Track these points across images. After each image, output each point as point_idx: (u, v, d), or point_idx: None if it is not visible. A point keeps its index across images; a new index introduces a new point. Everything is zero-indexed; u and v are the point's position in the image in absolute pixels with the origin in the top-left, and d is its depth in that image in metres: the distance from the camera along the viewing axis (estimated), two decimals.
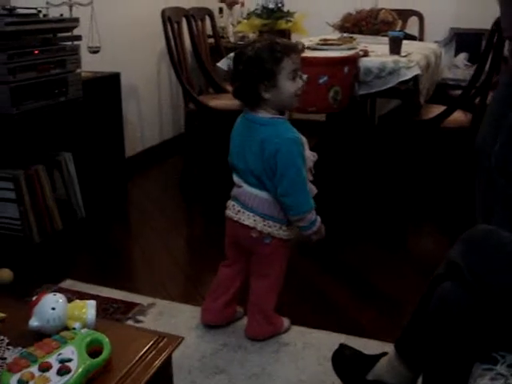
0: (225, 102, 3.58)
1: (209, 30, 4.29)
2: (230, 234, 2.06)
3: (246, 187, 1.95)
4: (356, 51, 2.95)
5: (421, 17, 4.53)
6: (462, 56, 4.43)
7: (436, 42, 4.39)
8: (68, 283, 2.43)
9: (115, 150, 3.32)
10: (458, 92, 3.52)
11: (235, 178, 1.99)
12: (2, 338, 1.27)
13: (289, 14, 3.06)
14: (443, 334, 1.29)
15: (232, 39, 4.71)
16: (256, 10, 3.08)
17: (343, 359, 1.69)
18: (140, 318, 2.19)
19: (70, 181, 2.86)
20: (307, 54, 3.04)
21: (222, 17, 4.82)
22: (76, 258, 2.73)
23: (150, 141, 4.19)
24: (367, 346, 1.92)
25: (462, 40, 4.55)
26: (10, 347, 1.24)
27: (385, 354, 1.60)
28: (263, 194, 1.93)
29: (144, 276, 2.60)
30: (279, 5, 3.03)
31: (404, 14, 4.49)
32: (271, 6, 3.02)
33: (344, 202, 3.35)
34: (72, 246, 2.80)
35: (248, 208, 1.95)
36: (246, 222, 1.95)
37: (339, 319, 2.23)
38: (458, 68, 4.37)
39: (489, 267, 1.23)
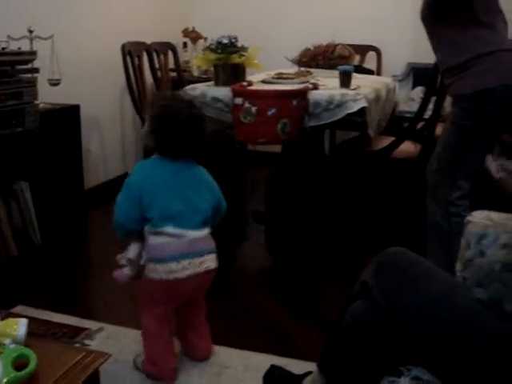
0: None
1: (172, 64, 4.41)
2: (184, 294, 2.00)
3: (192, 234, 1.93)
4: (306, 85, 3.07)
5: (378, 52, 4.70)
6: (419, 89, 4.59)
7: (393, 76, 4.56)
8: (20, 309, 2.48)
9: (73, 180, 3.39)
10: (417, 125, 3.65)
11: (170, 229, 1.90)
12: None
13: (242, 48, 3.17)
14: (353, 349, 1.38)
15: (196, 73, 4.85)
16: (211, 45, 3.19)
17: (273, 379, 1.76)
18: (87, 341, 2.24)
19: (26, 209, 2.92)
20: (258, 86, 3.18)
21: (186, 51, 4.96)
22: (30, 285, 2.77)
23: (113, 172, 4.26)
24: (306, 367, 1.98)
25: (419, 74, 4.71)
26: None
27: (310, 372, 1.68)
28: (206, 232, 1.99)
29: (95, 303, 2.67)
30: (233, 40, 3.14)
31: (362, 49, 4.66)
32: (225, 41, 3.12)
33: (298, 231, 3.45)
34: (26, 273, 2.85)
35: (208, 251, 1.98)
36: (214, 265, 2.00)
37: (280, 343, 2.30)
38: (414, 101, 4.53)
39: (395, 289, 1.33)
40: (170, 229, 1.89)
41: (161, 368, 2.02)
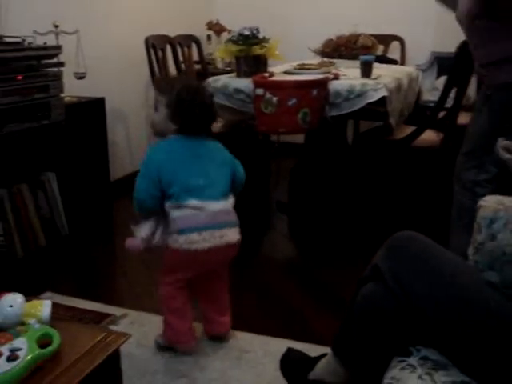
0: None
1: (196, 57, 4.47)
2: (204, 265, 2.06)
3: (213, 205, 1.99)
4: (326, 75, 3.09)
5: (402, 42, 4.69)
6: (443, 79, 4.56)
7: (417, 65, 4.54)
8: (47, 295, 2.55)
9: (100, 171, 3.46)
10: (440, 114, 3.64)
11: (192, 202, 1.97)
12: None
13: (264, 40, 3.21)
14: (365, 331, 1.41)
15: (220, 65, 4.90)
16: (233, 36, 3.23)
17: (289, 362, 1.81)
18: (111, 327, 2.30)
19: (53, 200, 3.00)
20: (279, 77, 3.22)
21: (210, 44, 5.01)
22: (57, 272, 2.85)
23: (138, 163, 4.31)
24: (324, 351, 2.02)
25: (444, 63, 4.68)
26: None
27: (325, 355, 1.72)
28: (229, 206, 2.06)
29: (120, 290, 2.73)
30: (254, 32, 3.17)
31: (386, 39, 4.65)
32: (246, 32, 3.16)
33: (321, 220, 3.48)
34: (54, 262, 2.93)
35: (229, 223, 2.04)
36: (235, 239, 2.05)
37: (300, 329, 2.34)
38: (438, 91, 4.50)
39: (405, 272, 1.36)
40: (191, 202, 1.97)
41: (177, 330, 2.11)
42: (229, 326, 2.26)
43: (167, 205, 2.00)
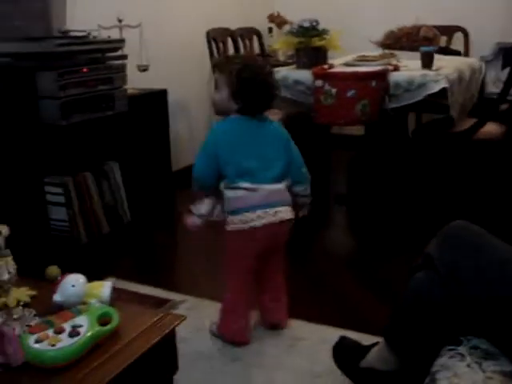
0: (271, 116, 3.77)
1: (257, 49, 4.50)
2: (262, 242, 2.09)
3: (267, 187, 2.05)
4: (385, 66, 3.08)
5: (465, 32, 4.60)
6: (508, 70, 4.46)
7: (482, 57, 4.45)
8: (110, 281, 2.64)
9: (162, 161, 3.54)
10: (504, 106, 3.57)
11: (245, 184, 2.03)
12: (31, 310, 1.48)
13: (323, 31, 3.22)
14: (415, 319, 1.42)
15: (282, 57, 4.92)
16: (293, 28, 3.25)
17: (342, 349, 1.82)
18: (170, 311, 2.37)
19: (116, 188, 3.10)
20: (340, 69, 3.22)
21: (271, 36, 5.03)
22: (120, 258, 2.95)
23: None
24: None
25: (509, 54, 4.57)
26: (36, 317, 1.45)
27: (378, 343, 1.72)
28: (283, 185, 2.10)
29: (181, 276, 2.81)
30: (314, 23, 3.18)
31: (449, 30, 4.57)
32: (306, 24, 3.18)
33: (380, 213, 3.46)
34: (116, 248, 3.03)
35: (282, 202, 2.09)
36: (289, 216, 2.10)
37: (356, 318, 2.35)
38: (502, 82, 4.41)
39: (456, 259, 1.36)
40: (245, 184, 2.02)
41: (233, 329, 2.15)
42: (285, 316, 2.29)
43: (222, 184, 2.07)
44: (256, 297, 2.26)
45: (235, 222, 2.05)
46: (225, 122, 2.12)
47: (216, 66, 2.27)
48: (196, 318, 2.32)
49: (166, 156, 3.61)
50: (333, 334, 2.19)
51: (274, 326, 2.27)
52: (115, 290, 2.44)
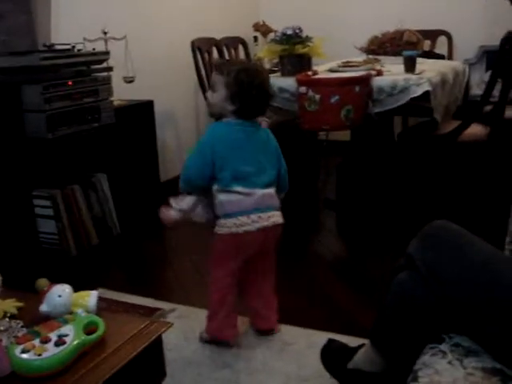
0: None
1: (243, 58, 4.54)
2: (253, 246, 2.10)
3: (261, 191, 2.06)
4: (368, 71, 3.11)
5: (449, 36, 4.64)
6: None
7: (466, 60, 4.51)
8: (99, 291, 2.60)
9: (150, 172, 3.56)
10: (488, 108, 3.61)
11: (239, 188, 2.04)
12: (18, 321, 1.50)
13: (307, 38, 3.25)
14: (399, 319, 1.44)
15: (268, 65, 4.95)
16: (276, 36, 3.29)
17: (330, 352, 1.84)
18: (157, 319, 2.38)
19: (104, 200, 3.12)
20: (324, 75, 3.25)
21: (256, 45, 5.07)
22: (109, 270, 2.97)
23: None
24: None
25: (492, 57, 4.61)
26: (23, 328, 1.46)
27: (364, 345, 1.74)
28: (273, 190, 2.12)
29: (170, 286, 2.82)
30: (297, 31, 3.22)
31: (432, 34, 4.62)
32: (289, 32, 3.21)
33: (368, 217, 3.49)
34: (106, 259, 3.04)
35: (274, 207, 2.11)
36: (280, 221, 2.13)
37: (345, 322, 2.36)
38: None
39: (438, 259, 1.38)
40: (239, 188, 2.03)
41: (222, 325, 2.17)
42: (276, 322, 2.30)
43: (215, 187, 2.07)
44: (247, 303, 2.28)
45: (228, 226, 2.06)
46: (222, 124, 2.11)
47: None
48: (186, 326, 2.34)
49: (154, 166, 3.62)
50: (322, 337, 2.18)
51: (265, 333, 2.28)
52: (105, 301, 2.48)
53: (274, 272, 2.27)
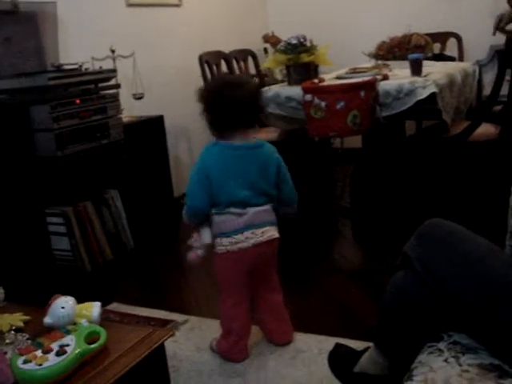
0: (265, 134, 3.82)
1: (254, 70, 4.57)
2: (251, 262, 2.11)
3: (253, 209, 2.06)
4: (373, 76, 3.11)
5: (459, 38, 4.63)
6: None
7: (478, 61, 4.48)
8: (114, 306, 2.69)
9: (163, 187, 3.59)
10: (498, 107, 3.58)
11: (234, 210, 2.04)
12: (24, 334, 1.53)
13: (311, 47, 3.27)
14: (397, 318, 1.44)
15: (279, 76, 4.97)
16: (281, 46, 3.30)
17: (337, 356, 1.84)
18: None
19: (117, 216, 3.15)
20: (331, 82, 3.25)
21: (267, 56, 5.09)
22: (124, 284, 2.99)
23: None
24: None
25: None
26: (28, 341, 1.49)
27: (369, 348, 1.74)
28: (269, 206, 2.12)
29: (183, 298, 2.84)
30: (301, 40, 3.23)
31: (442, 37, 4.61)
32: (294, 41, 3.23)
33: (384, 223, 3.47)
34: (121, 274, 3.07)
35: (269, 222, 2.11)
36: (276, 235, 2.13)
37: (359, 328, 2.35)
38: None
39: (432, 256, 1.38)
40: (234, 209, 2.04)
41: (232, 348, 2.16)
42: (291, 333, 2.29)
43: (212, 211, 2.08)
44: (257, 317, 2.28)
45: (224, 244, 2.07)
46: (214, 148, 2.08)
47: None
48: (198, 337, 2.36)
49: (167, 181, 3.66)
50: (333, 343, 2.19)
51: (279, 344, 2.27)
52: (118, 314, 2.50)
53: (279, 285, 2.27)
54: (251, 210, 2.05)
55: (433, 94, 2.95)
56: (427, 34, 4.19)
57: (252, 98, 2.05)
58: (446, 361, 1.23)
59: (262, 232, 2.07)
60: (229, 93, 2.00)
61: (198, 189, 2.06)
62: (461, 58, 4.60)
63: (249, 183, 2.05)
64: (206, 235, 2.13)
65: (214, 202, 2.06)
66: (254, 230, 2.05)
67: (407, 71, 3.28)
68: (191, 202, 2.09)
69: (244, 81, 2.14)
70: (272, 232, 2.11)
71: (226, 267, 2.12)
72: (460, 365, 1.20)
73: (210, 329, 2.40)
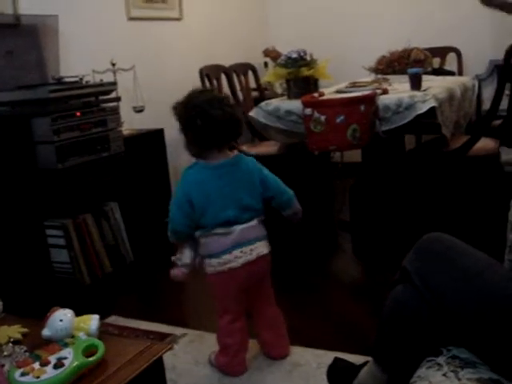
0: (265, 148, 3.83)
1: (254, 84, 4.59)
2: (243, 280, 2.09)
3: (239, 227, 2.04)
4: (373, 90, 3.12)
5: (458, 53, 4.65)
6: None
7: (477, 75, 4.50)
8: (112, 319, 2.68)
9: (163, 199, 3.57)
10: (498, 122, 3.59)
11: (220, 230, 2.03)
12: (22, 346, 1.53)
13: (311, 61, 3.29)
14: (396, 332, 1.44)
15: (279, 90, 4.99)
16: (281, 60, 3.32)
17: (336, 371, 1.83)
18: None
19: (117, 228, 3.15)
20: (331, 96, 3.27)
21: (267, 70, 5.11)
22: (123, 297, 2.98)
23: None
24: None
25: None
26: (26, 353, 1.49)
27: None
28: (256, 222, 2.09)
29: (182, 311, 2.83)
30: (302, 54, 3.25)
31: (442, 51, 4.63)
32: (294, 55, 3.25)
33: (384, 237, 3.47)
34: (120, 287, 3.06)
35: (257, 239, 2.10)
36: (266, 250, 2.12)
37: (358, 342, 2.34)
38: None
39: (431, 270, 1.38)
40: (219, 229, 2.03)
41: (230, 362, 2.16)
42: (287, 347, 2.28)
43: (197, 233, 2.07)
44: (257, 334, 2.28)
45: (213, 265, 2.06)
46: (193, 170, 2.07)
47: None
48: (196, 351, 2.35)
49: (167, 194, 3.65)
50: (332, 357, 2.18)
51: (279, 358, 2.26)
52: (117, 327, 2.50)
53: (274, 299, 2.26)
54: (237, 228, 2.03)
55: (432, 109, 2.96)
56: (427, 49, 4.22)
57: (230, 116, 2.02)
58: (444, 375, 1.23)
59: (251, 249, 2.05)
60: (207, 111, 1.97)
61: (179, 214, 2.06)
62: (460, 73, 4.62)
63: (232, 202, 2.04)
64: (185, 255, 2.14)
65: (199, 224, 2.05)
66: (242, 248, 2.04)
67: (407, 85, 3.30)
68: (172, 226, 2.10)
69: (221, 98, 2.09)
70: (261, 248, 2.09)
71: (219, 286, 2.12)
72: (459, 379, 1.20)
73: (209, 342, 2.39)
